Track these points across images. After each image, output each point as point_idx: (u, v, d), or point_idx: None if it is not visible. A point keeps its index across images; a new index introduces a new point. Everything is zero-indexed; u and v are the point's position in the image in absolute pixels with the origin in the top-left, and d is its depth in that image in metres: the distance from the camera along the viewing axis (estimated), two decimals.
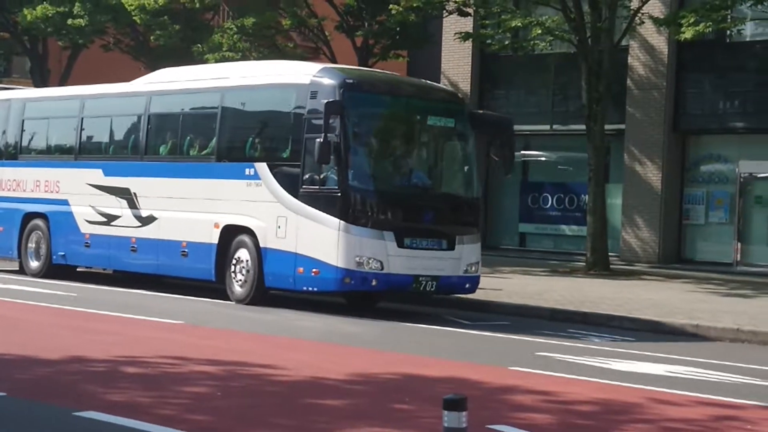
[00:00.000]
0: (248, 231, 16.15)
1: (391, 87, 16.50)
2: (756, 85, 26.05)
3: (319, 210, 15.23)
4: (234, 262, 16.37)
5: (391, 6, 26.75)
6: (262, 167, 16.11)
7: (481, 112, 16.30)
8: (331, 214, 15.10)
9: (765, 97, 25.79)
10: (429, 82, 18.44)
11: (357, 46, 30.94)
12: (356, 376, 10.18)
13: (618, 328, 15.58)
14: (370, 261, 15.07)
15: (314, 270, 15.29)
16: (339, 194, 15.08)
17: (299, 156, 15.56)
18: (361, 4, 30.87)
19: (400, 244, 15.24)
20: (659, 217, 26.65)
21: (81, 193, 19.11)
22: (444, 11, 26.92)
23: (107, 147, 19.56)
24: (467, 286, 16.09)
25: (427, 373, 10.52)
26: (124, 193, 18.30)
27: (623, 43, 25.56)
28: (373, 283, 15.18)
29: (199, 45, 31.04)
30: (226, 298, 16.59)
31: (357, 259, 15.02)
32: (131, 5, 31.30)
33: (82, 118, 19.76)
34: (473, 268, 15.98)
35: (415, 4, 25.44)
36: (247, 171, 16.33)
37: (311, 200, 15.35)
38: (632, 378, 10.84)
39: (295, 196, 15.53)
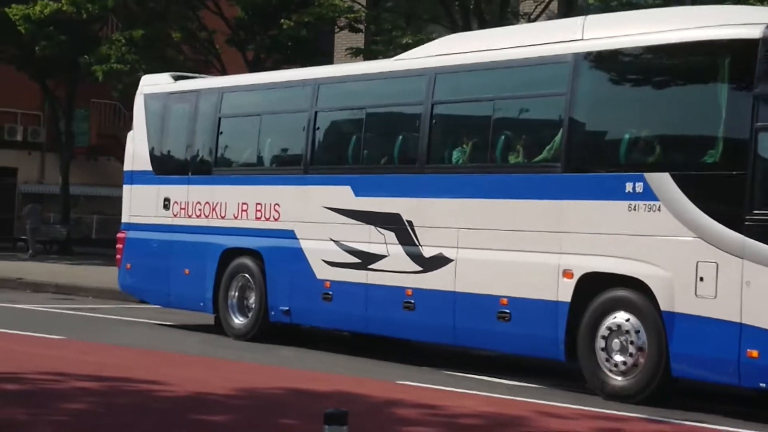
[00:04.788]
0: (632, 283, 10.53)
1: None
2: None
3: None
4: (605, 333, 10.71)
5: (282, 20, 26.69)
6: (662, 180, 10.37)
7: None
8: None
9: None
10: None
11: (248, 59, 30.78)
12: (241, 391, 10.02)
13: None
14: None
15: None
16: None
17: (741, 160, 9.93)
18: (252, 18, 30.73)
19: None
20: None
21: (316, 222, 13.50)
22: (336, 27, 26.93)
23: (358, 153, 13.48)
24: None
25: (314, 388, 10.42)
26: (390, 222, 12.63)
27: None
28: None
29: (86, 56, 30.49)
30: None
31: None
32: (16, 15, 30.64)
33: (316, 113, 13.82)
34: None
35: (306, 19, 25.42)
36: (628, 186, 10.58)
37: None
38: (520, 391, 10.90)
39: (736, 229, 9.88)
